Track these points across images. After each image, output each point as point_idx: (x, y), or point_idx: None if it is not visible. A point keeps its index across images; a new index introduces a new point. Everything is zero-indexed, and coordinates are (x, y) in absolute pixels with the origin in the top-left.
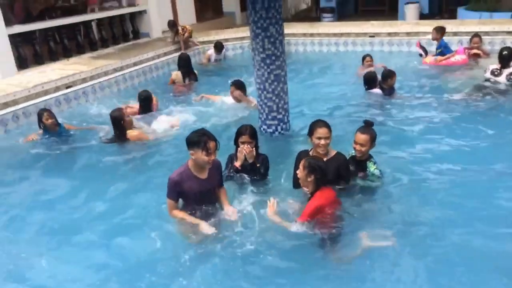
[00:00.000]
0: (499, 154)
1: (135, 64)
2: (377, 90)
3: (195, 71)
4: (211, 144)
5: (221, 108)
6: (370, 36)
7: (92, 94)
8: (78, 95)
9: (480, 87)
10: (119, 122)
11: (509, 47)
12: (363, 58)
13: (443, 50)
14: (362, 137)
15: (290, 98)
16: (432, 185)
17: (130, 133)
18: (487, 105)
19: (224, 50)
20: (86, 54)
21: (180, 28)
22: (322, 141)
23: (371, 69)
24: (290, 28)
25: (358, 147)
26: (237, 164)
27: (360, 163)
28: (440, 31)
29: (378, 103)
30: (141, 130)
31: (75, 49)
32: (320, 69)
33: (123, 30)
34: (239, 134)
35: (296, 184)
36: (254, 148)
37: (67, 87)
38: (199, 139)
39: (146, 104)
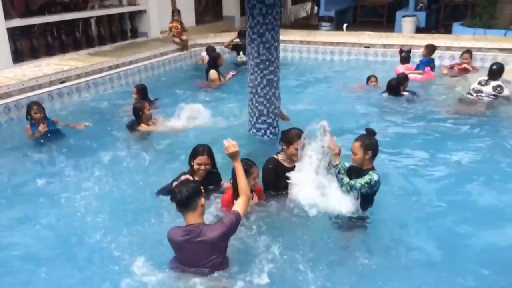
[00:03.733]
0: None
1: (131, 62)
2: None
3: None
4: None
5: None
6: (365, 47)
7: (86, 90)
8: (71, 91)
9: (461, 101)
10: (137, 113)
11: (499, 63)
12: (368, 78)
13: (419, 65)
14: (353, 144)
15: (281, 103)
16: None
17: (142, 127)
18: (466, 118)
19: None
20: (83, 50)
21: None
22: (299, 151)
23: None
24: (288, 35)
25: (352, 154)
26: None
27: (360, 172)
28: (430, 49)
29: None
30: (153, 127)
31: (72, 45)
32: (313, 77)
33: (121, 29)
34: (196, 154)
35: (268, 186)
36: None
37: (61, 82)
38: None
39: (143, 93)
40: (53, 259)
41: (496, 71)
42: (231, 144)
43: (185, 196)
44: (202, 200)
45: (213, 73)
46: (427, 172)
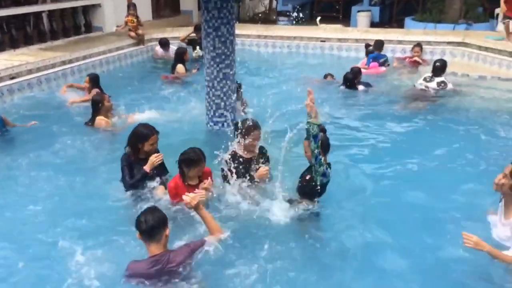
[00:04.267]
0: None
1: (84, 57)
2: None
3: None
4: None
5: None
6: (321, 41)
7: (38, 86)
8: (22, 87)
9: (410, 93)
10: (97, 105)
11: (442, 59)
12: (325, 76)
13: (368, 60)
14: (304, 142)
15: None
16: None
17: (99, 119)
18: (415, 110)
19: (174, 48)
20: (35, 45)
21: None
22: (256, 142)
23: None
24: (246, 30)
25: (304, 152)
26: (148, 168)
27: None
28: (378, 44)
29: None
30: (111, 120)
31: (23, 40)
32: (271, 71)
33: (75, 23)
34: (146, 136)
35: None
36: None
37: (11, 78)
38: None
39: (96, 82)
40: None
41: (439, 68)
42: (190, 198)
43: (150, 226)
44: (167, 231)
45: (180, 67)
46: (375, 164)
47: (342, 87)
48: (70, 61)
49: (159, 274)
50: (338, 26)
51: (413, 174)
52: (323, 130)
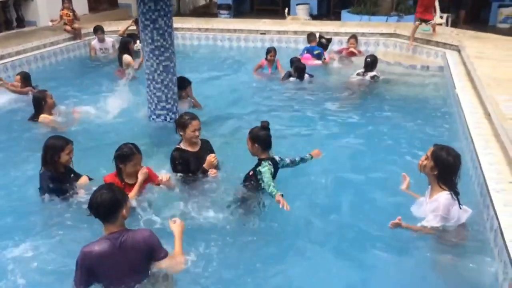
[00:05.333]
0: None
1: (17, 53)
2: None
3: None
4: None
5: None
6: (261, 33)
7: None
8: None
9: (347, 83)
10: (39, 103)
11: (372, 55)
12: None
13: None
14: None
15: None
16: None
17: (43, 117)
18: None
19: (112, 40)
20: None
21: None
22: (197, 133)
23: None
24: (186, 23)
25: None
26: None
27: (258, 161)
28: (310, 37)
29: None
30: (55, 117)
31: None
32: (212, 63)
33: (6, 17)
34: (61, 147)
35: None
36: None
37: None
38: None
39: (27, 79)
40: None
41: (370, 63)
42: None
43: (102, 211)
44: (123, 211)
45: (127, 57)
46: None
47: (293, 78)
48: (2, 57)
49: (117, 252)
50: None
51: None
52: (264, 127)
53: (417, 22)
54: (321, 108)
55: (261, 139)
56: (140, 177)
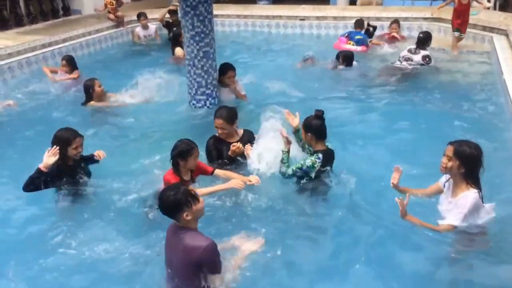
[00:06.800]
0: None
1: (64, 40)
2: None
3: None
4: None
5: None
6: (300, 19)
7: (19, 69)
8: (3, 71)
9: (390, 69)
10: (88, 90)
11: (426, 31)
12: (305, 60)
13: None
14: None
15: None
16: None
17: (91, 104)
18: (395, 85)
19: (155, 26)
20: (12, 30)
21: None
22: (219, 131)
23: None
24: (225, 10)
25: None
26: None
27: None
28: (358, 23)
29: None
30: (103, 104)
31: (0, 24)
32: (252, 51)
33: (52, 6)
34: (68, 140)
35: (212, 160)
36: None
37: None
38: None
39: (72, 63)
40: None
41: (422, 39)
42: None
43: (165, 210)
44: (184, 215)
45: (179, 51)
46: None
47: (341, 66)
48: (50, 44)
49: (171, 245)
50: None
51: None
52: (317, 116)
53: (456, 33)
54: (368, 95)
55: (314, 128)
56: (228, 185)
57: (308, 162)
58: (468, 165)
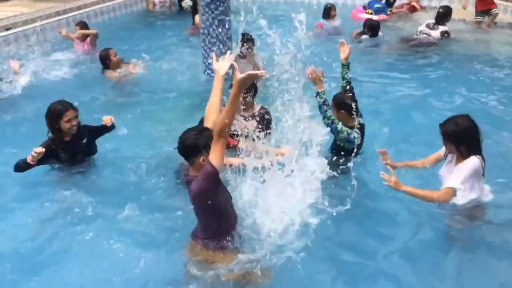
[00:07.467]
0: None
1: (78, 8)
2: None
3: None
4: None
5: None
6: None
7: (34, 37)
8: (18, 38)
9: (409, 40)
10: (104, 60)
11: (446, 6)
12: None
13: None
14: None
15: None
16: None
17: (107, 73)
18: (413, 56)
19: None
20: None
21: None
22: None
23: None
24: None
25: None
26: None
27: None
28: None
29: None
30: (118, 72)
31: None
32: (276, 19)
33: None
34: (60, 113)
35: None
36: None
37: (7, 29)
38: None
39: (85, 26)
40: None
41: (441, 14)
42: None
43: (181, 149)
44: (201, 159)
45: (198, 17)
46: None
47: (366, 36)
48: (65, 12)
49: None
50: None
51: None
52: (345, 91)
53: (479, 18)
54: (392, 67)
55: (346, 104)
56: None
57: (355, 134)
58: (464, 140)
